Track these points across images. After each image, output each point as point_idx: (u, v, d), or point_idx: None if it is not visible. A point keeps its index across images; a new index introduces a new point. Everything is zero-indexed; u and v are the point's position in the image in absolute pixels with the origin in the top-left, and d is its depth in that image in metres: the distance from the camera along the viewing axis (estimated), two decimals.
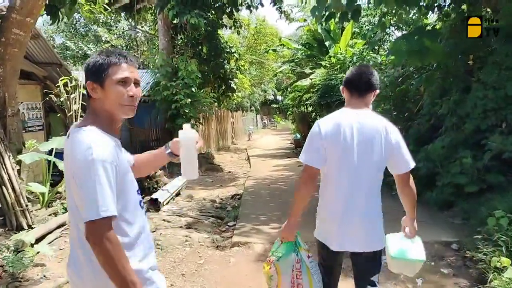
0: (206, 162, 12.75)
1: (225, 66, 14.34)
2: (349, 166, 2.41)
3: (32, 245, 4.80)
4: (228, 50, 14.45)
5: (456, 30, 7.63)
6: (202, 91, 13.32)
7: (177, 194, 8.58)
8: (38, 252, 4.68)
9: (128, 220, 1.65)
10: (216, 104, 15.59)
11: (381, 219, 2.54)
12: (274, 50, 20.57)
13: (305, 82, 16.46)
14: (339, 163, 2.42)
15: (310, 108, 18.17)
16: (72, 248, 1.70)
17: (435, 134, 7.91)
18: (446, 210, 6.05)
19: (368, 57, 14.68)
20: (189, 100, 11.56)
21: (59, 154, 6.65)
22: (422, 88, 8.80)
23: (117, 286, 1.49)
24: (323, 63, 15.75)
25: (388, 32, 17.88)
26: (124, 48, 22.04)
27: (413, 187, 2.53)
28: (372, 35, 17.56)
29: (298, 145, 21.77)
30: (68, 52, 25.23)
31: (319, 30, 17.51)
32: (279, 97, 41.86)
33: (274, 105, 44.80)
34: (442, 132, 7.09)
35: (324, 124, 2.47)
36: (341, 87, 2.65)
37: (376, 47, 17.61)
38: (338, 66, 15.03)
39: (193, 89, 11.71)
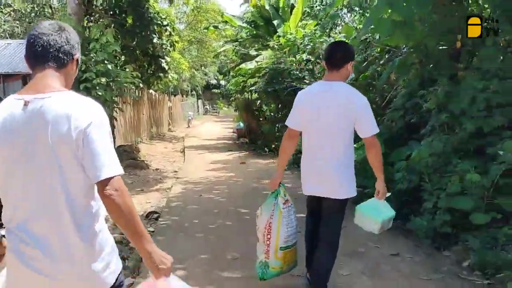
0: (127, 157, 10.47)
1: (155, 41, 11.99)
2: (319, 128, 2.98)
3: None
4: (158, 22, 12.11)
5: (442, 2, 5.91)
6: (124, 69, 10.96)
7: None
8: None
9: None
10: (141, 86, 13.23)
11: (349, 174, 3.06)
12: (216, 27, 18.32)
13: (250, 65, 14.49)
14: (312, 126, 3.00)
15: (255, 95, 16.25)
16: (58, 239, 1.58)
17: (413, 135, 6.20)
18: (445, 248, 4.30)
19: (321, 40, 12.93)
20: (104, 79, 9.20)
21: None
22: (393, 76, 7.09)
23: (137, 234, 1.58)
24: (270, 43, 13.82)
25: (339, 14, 16.27)
26: (33, 15, 18.74)
27: (377, 150, 3.02)
28: (324, 16, 15.82)
29: (241, 135, 19.89)
30: None
31: (267, 7, 15.51)
32: (222, 82, 39.74)
33: (217, 90, 42.57)
34: (427, 133, 5.36)
35: (302, 94, 3.16)
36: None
37: (328, 30, 15.92)
38: (288, 48, 13.16)
39: (109, 66, 9.35)
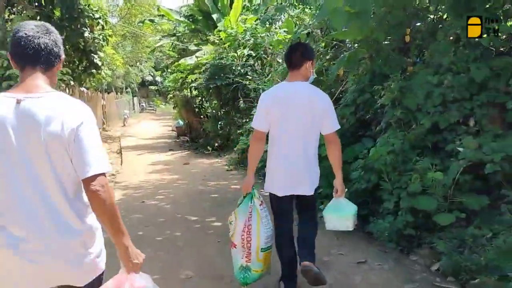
0: None
1: (86, 35, 11.13)
2: (286, 128, 3.03)
3: None
4: (90, 14, 11.25)
5: None
6: None
7: None
8: None
9: None
10: (72, 83, 12.31)
11: (315, 171, 3.19)
12: (152, 21, 17.50)
13: (190, 60, 13.94)
14: (279, 126, 3.04)
15: (195, 92, 15.71)
16: (59, 234, 1.69)
17: (366, 132, 6.06)
18: (410, 251, 4.12)
19: (262, 34, 12.66)
20: None
21: None
22: (341, 71, 6.92)
23: (118, 229, 1.71)
24: (211, 38, 13.35)
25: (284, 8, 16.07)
26: None
27: (338, 147, 3.15)
28: (264, 11, 15.56)
29: (181, 133, 19.26)
30: None
31: (205, 1, 14.99)
32: (158, 78, 38.53)
33: (153, 87, 41.25)
34: (382, 130, 5.21)
35: (266, 95, 3.15)
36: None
37: (268, 24, 15.68)
38: (229, 43, 12.76)
39: None
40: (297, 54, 3.08)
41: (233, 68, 12.52)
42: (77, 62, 12.59)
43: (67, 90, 12.35)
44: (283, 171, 3.07)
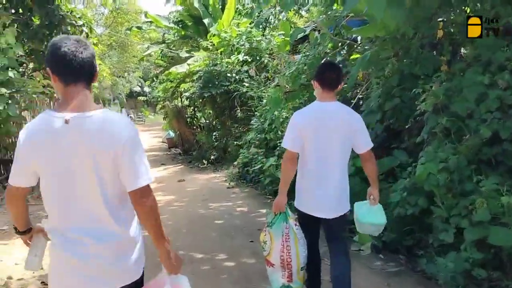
0: None
1: None
2: (320, 148, 2.97)
3: None
4: (72, 21, 10.31)
5: None
6: (31, 77, 9.13)
7: None
8: None
9: None
10: (56, 96, 11.32)
11: (348, 189, 3.13)
12: (139, 28, 16.54)
13: (181, 68, 13.04)
14: (313, 147, 2.97)
15: (186, 102, 14.81)
16: (105, 242, 1.80)
17: (394, 144, 5.22)
18: None
19: (258, 38, 11.84)
20: (5, 90, 7.38)
21: None
22: (361, 74, 6.10)
23: (160, 235, 1.84)
24: (203, 43, 12.47)
25: (273, 12, 15.30)
26: None
27: (374, 163, 3.14)
28: (258, 14, 14.76)
29: (172, 145, 18.37)
30: None
31: (196, 4, 14.12)
32: (146, 89, 37.54)
33: (142, 98, 40.21)
34: (423, 141, 4.37)
35: (301, 115, 3.09)
36: (312, 81, 3.17)
37: (262, 28, 14.88)
38: (223, 48, 11.90)
39: (11, 74, 7.53)
40: (333, 76, 3.03)
41: (228, 75, 11.70)
42: None
43: (50, 103, 11.40)
44: (315, 191, 3.02)
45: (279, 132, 7.65)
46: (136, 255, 1.87)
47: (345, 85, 6.42)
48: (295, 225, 3.11)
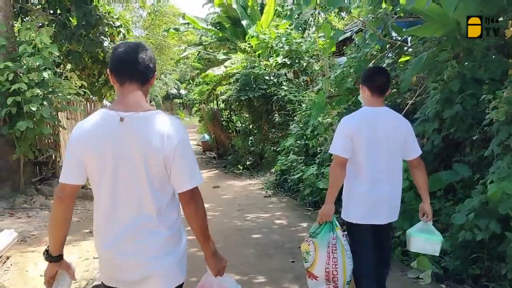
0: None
1: (106, 44, 10.04)
2: (372, 154, 2.85)
3: None
4: (109, 22, 10.19)
5: None
6: (66, 78, 9.02)
7: None
8: None
9: None
10: (93, 97, 11.29)
11: (399, 197, 2.97)
12: (176, 30, 16.40)
13: (218, 71, 12.75)
14: (364, 153, 2.85)
15: (222, 105, 14.53)
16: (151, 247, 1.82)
17: (454, 156, 4.67)
18: None
19: (298, 40, 11.41)
20: (39, 91, 7.23)
21: None
22: (414, 78, 5.55)
23: (206, 236, 1.86)
24: (241, 45, 12.13)
25: (313, 14, 14.83)
26: None
27: (424, 171, 3.00)
28: (297, 16, 14.31)
29: (207, 148, 18.16)
30: None
31: (234, 6, 13.82)
32: (182, 91, 37.69)
33: (178, 100, 40.43)
34: (493, 156, 3.80)
35: (351, 121, 2.96)
36: (360, 85, 3.03)
37: (301, 30, 14.42)
38: (261, 50, 11.53)
39: (45, 74, 7.38)
40: (383, 80, 2.94)
41: (266, 78, 11.32)
42: (96, 75, 11.53)
43: (88, 105, 11.35)
44: (368, 196, 2.88)
45: (322, 139, 7.17)
46: (180, 256, 1.87)
47: (394, 90, 5.90)
48: (343, 235, 2.98)
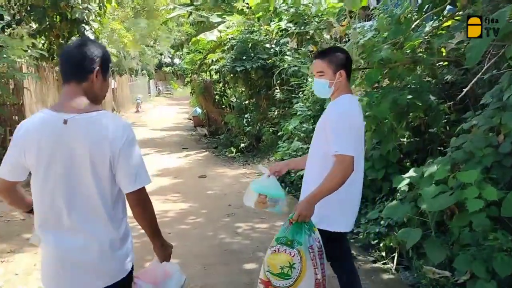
0: None
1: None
2: (359, 150, 2.52)
3: None
4: None
5: None
6: (21, 37, 7.25)
7: None
8: None
9: None
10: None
11: None
12: None
13: (211, 36, 10.96)
14: (360, 150, 2.55)
15: (215, 76, 12.80)
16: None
17: None
18: None
19: (306, 1, 9.57)
20: None
21: None
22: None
23: (155, 232, 1.91)
24: (238, 5, 10.33)
25: None
26: None
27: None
28: None
29: (198, 123, 16.57)
30: None
31: None
32: (176, 60, 35.66)
33: (168, 69, 38.42)
34: None
35: (356, 112, 2.52)
36: (340, 71, 2.50)
37: None
38: (262, 12, 9.73)
39: None
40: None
41: (267, 46, 9.59)
42: (66, 35, 9.70)
43: (38, 72, 9.59)
44: (355, 201, 2.60)
45: None
46: (125, 253, 1.85)
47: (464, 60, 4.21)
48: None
